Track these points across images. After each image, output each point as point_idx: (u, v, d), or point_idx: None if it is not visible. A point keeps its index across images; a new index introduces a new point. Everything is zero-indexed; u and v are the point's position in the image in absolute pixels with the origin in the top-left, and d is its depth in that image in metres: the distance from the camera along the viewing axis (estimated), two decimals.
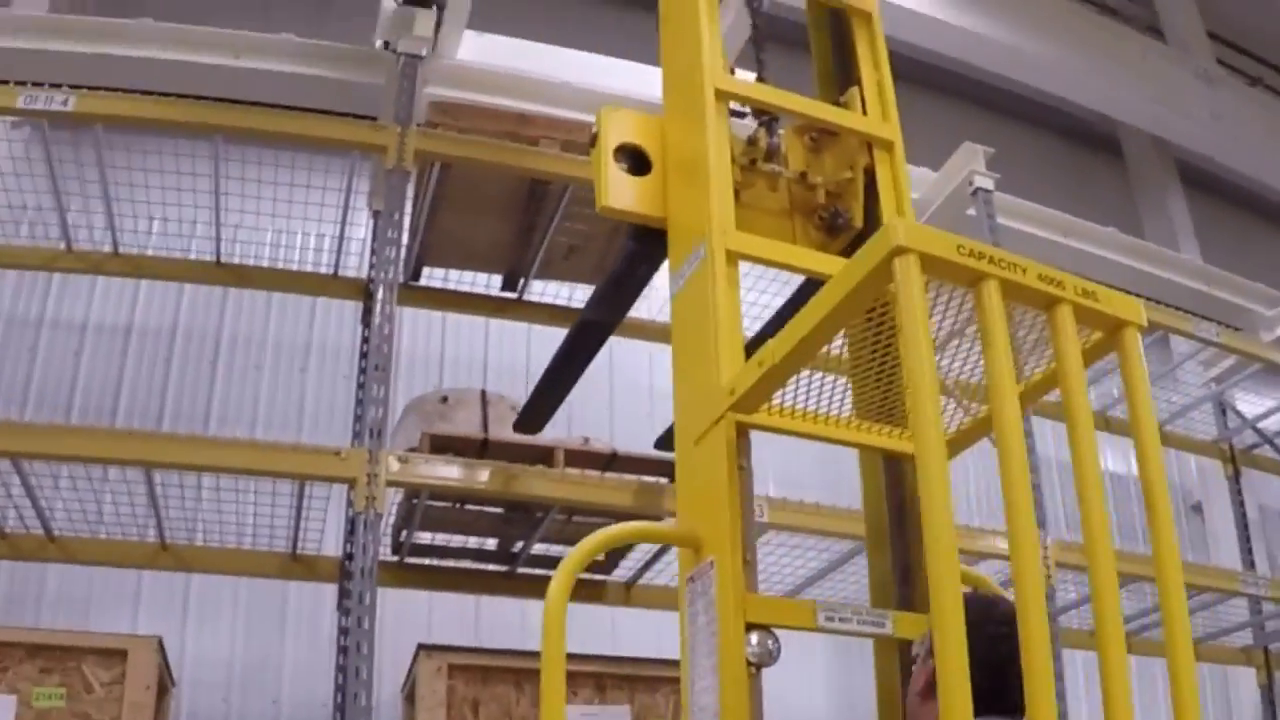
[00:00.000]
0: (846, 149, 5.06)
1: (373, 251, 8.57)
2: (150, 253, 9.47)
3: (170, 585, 9.29)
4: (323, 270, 9.45)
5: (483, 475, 7.29)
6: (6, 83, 8.18)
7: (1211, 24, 15.47)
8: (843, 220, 4.87)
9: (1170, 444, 12.31)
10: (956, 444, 4.13)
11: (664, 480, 7.50)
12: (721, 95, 4.78)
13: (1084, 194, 13.86)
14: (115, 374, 10.32)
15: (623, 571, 9.03)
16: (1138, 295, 9.49)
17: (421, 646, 7.24)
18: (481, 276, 9.15)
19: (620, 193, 4.87)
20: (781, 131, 5.07)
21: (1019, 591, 2.81)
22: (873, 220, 4.78)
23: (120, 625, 8.80)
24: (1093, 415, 3.29)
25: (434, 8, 8.69)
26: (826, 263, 4.50)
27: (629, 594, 9.16)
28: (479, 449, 7.28)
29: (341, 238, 9.26)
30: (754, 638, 3.79)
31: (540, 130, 7.90)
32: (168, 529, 8.49)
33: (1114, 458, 13.03)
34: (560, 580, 4.08)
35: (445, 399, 7.33)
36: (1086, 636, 10.35)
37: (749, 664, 3.75)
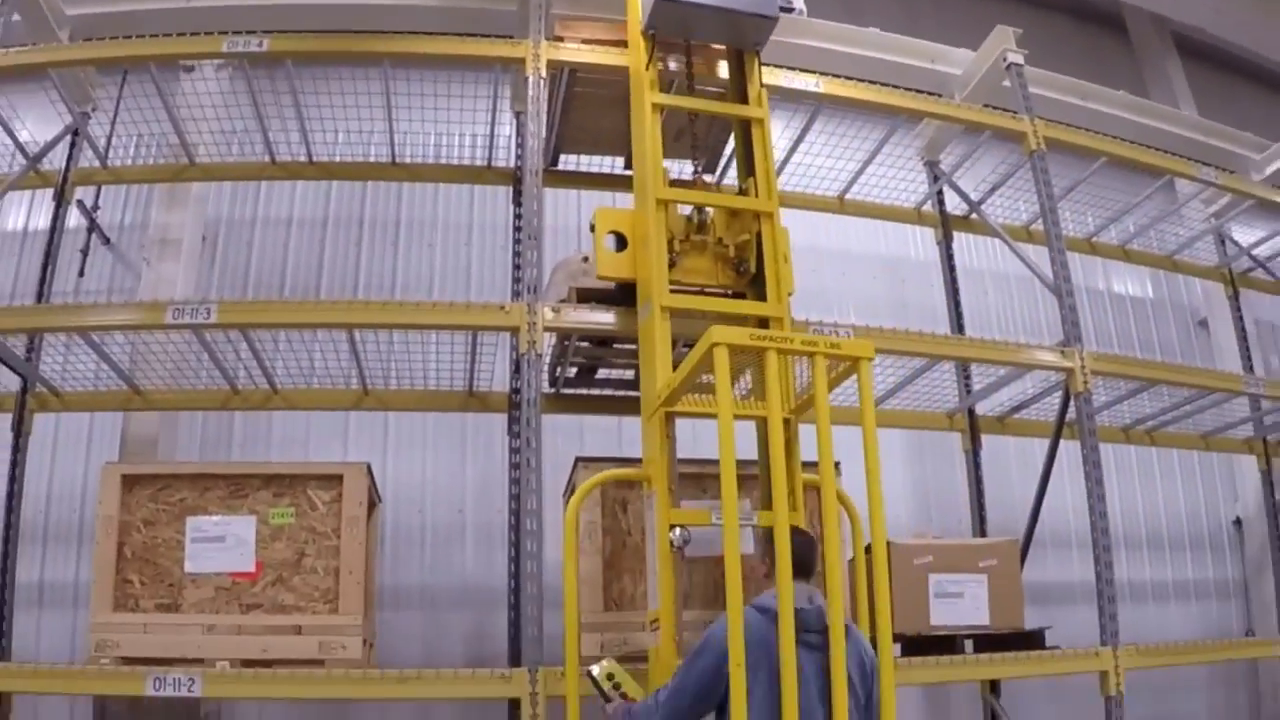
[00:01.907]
0: (746, 219, 6.92)
1: (518, 145, 8.62)
2: (338, 159, 9.56)
3: (372, 423, 9.45)
4: (478, 163, 9.54)
5: (620, 318, 7.26)
6: (211, 33, 8.39)
7: None
8: (744, 268, 6.89)
9: (1179, 270, 12.42)
10: (797, 411, 5.95)
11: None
12: (661, 202, 6.68)
13: (1096, 66, 13.52)
14: (316, 258, 10.53)
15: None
16: (1146, 146, 9.61)
17: (579, 459, 7.25)
18: (608, 159, 9.08)
19: (608, 264, 7.01)
20: (711, 210, 6.97)
21: (777, 519, 4.94)
22: (760, 267, 6.75)
23: (334, 457, 9.10)
24: (830, 428, 5.07)
25: None
26: (721, 304, 6.69)
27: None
28: (616, 297, 7.24)
29: (492, 135, 9.33)
30: (676, 531, 5.90)
31: None
32: (368, 377, 8.75)
33: (1132, 284, 12.90)
34: (573, 506, 6.40)
35: (586, 259, 7.27)
36: (1119, 433, 10.35)
37: (672, 545, 5.89)
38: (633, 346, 7.48)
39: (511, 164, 9.06)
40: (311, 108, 9.04)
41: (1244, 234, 12.40)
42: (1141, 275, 12.95)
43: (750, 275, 6.82)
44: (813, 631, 4.90)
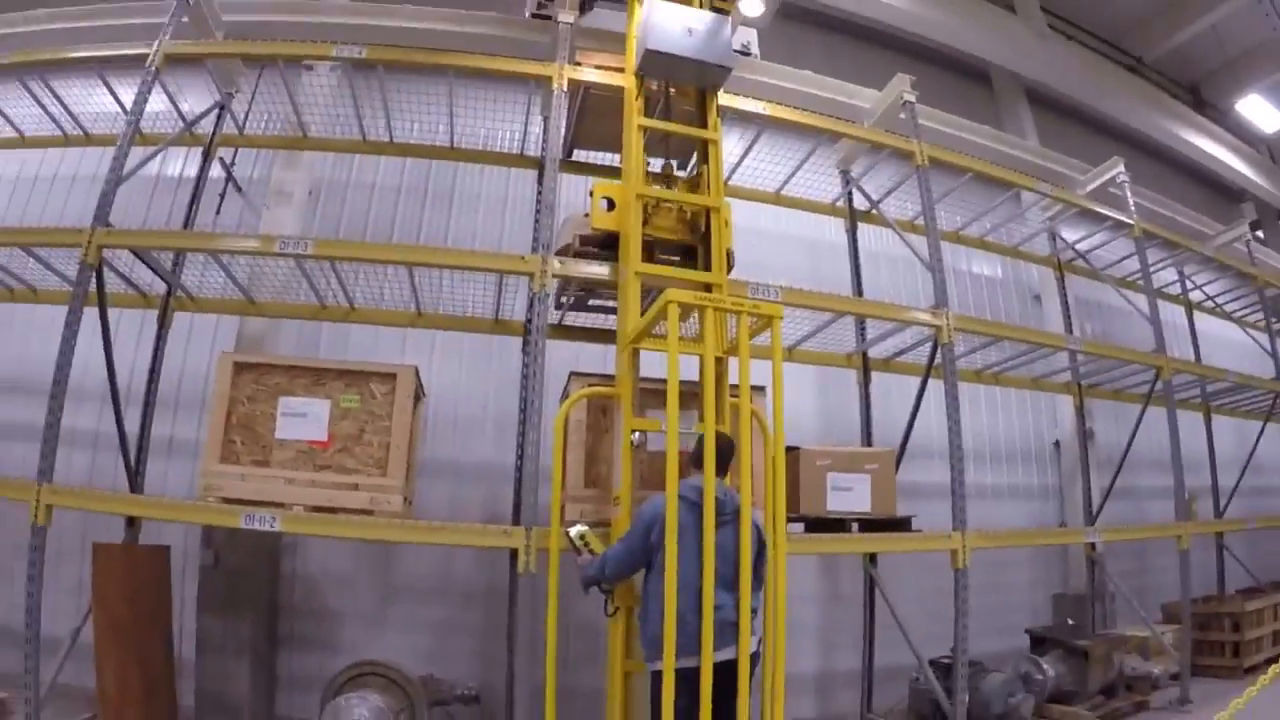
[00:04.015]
0: (702, 197, 6.87)
1: (543, 140, 8.30)
2: (413, 141, 9.23)
3: (423, 337, 9.11)
4: (513, 151, 9.24)
5: (610, 271, 7.11)
6: (325, 42, 8.36)
7: (1044, 1, 14.82)
8: (697, 227, 6.87)
9: (1021, 258, 12.19)
10: (729, 351, 5.92)
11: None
12: (639, 196, 6.68)
13: (967, 106, 13.38)
14: (390, 215, 10.15)
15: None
16: (1001, 166, 9.40)
17: (572, 373, 7.20)
18: (610, 155, 8.70)
19: (601, 220, 6.97)
20: (676, 187, 7.12)
21: (706, 430, 5.10)
22: (709, 230, 6.77)
23: (394, 360, 8.60)
24: (749, 369, 5.22)
25: None
26: (677, 273, 6.61)
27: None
28: (608, 241, 7.08)
29: (525, 132, 9.12)
30: (635, 434, 6.01)
31: None
32: (422, 304, 8.51)
33: (987, 267, 12.70)
34: (561, 412, 6.38)
35: (587, 215, 7.07)
36: (972, 374, 10.28)
37: (632, 444, 6.02)
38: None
39: (538, 154, 8.63)
40: (395, 102, 8.79)
41: (1069, 233, 12.15)
42: (993, 261, 12.64)
43: (702, 232, 6.85)
44: (724, 514, 5.10)
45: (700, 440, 5.16)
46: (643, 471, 6.35)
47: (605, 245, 7.10)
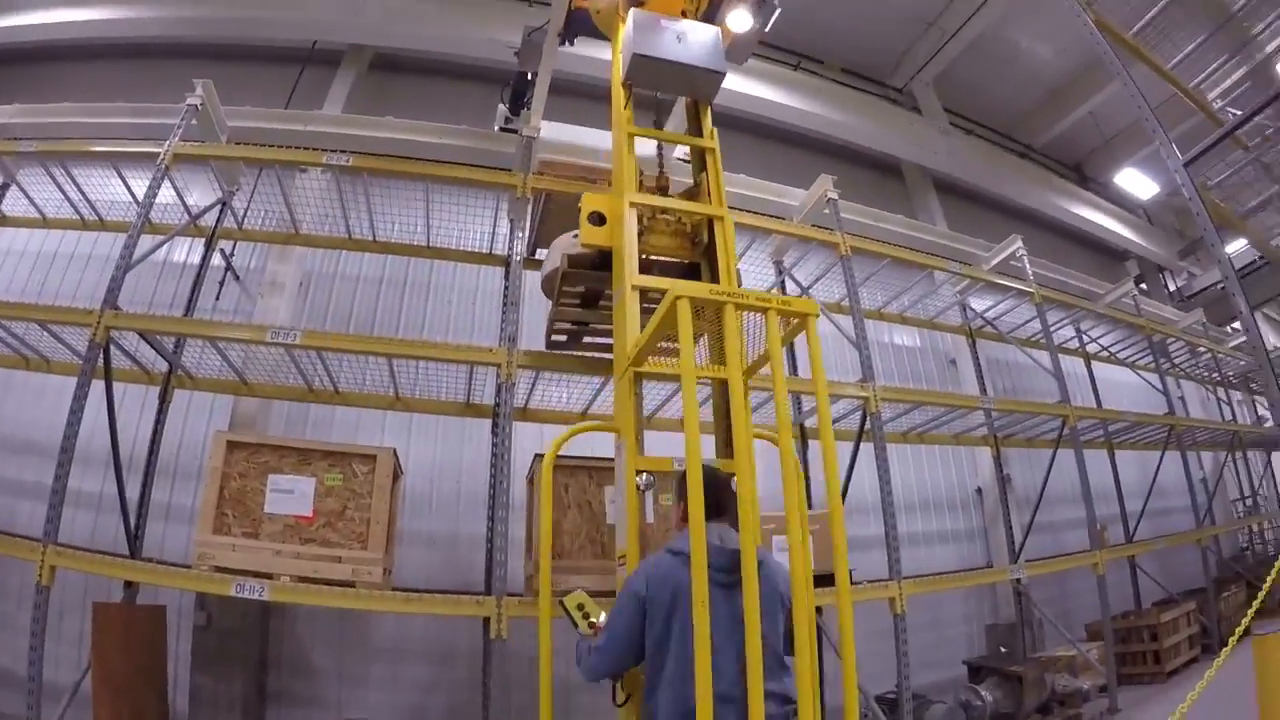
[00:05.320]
0: (704, 205, 5.57)
1: (509, 240, 8.04)
2: (392, 240, 8.98)
3: (400, 419, 8.87)
4: (483, 250, 9.01)
5: (568, 361, 6.98)
6: (319, 149, 8.18)
7: (945, 102, 15.25)
8: (699, 240, 5.55)
9: (937, 329, 12.08)
10: (746, 374, 4.31)
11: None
12: (633, 204, 5.39)
13: (883, 198, 13.60)
14: (372, 304, 9.82)
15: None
16: (914, 250, 9.39)
17: (536, 455, 7.01)
18: None
19: (590, 235, 5.68)
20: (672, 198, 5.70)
21: (739, 469, 3.61)
22: (712, 240, 5.43)
23: (374, 440, 8.63)
24: (785, 377, 3.88)
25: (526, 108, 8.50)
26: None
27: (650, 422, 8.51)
28: (599, 261, 6.01)
29: (493, 233, 8.93)
30: (641, 476, 4.56)
31: (597, 175, 7.72)
32: (400, 389, 8.28)
33: (907, 338, 12.61)
34: (548, 458, 4.89)
35: (576, 235, 5.99)
36: (899, 436, 10.26)
37: (638, 488, 4.55)
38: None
39: (505, 252, 8.44)
40: (377, 203, 8.58)
41: (978, 303, 12.06)
42: (913, 332, 12.60)
43: (703, 247, 5.52)
44: (720, 570, 3.49)
45: (682, 485, 3.75)
46: (642, 526, 4.80)
47: (596, 266, 6.00)
